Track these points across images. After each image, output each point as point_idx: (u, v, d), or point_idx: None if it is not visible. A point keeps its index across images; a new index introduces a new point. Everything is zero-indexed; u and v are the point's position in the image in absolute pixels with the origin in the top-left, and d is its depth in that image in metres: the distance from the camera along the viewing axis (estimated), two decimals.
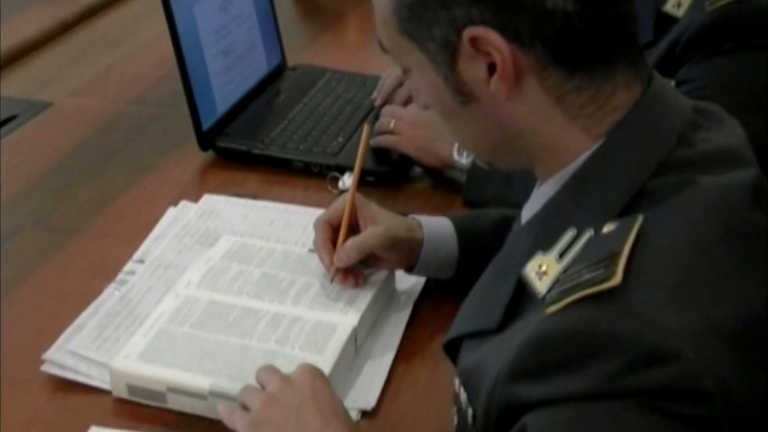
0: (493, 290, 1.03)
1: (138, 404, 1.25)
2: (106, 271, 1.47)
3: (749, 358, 0.89)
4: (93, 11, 2.41)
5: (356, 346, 1.32)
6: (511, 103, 0.96)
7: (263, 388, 1.16)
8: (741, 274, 0.92)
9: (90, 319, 1.37)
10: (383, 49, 1.05)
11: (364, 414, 1.25)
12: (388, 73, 1.93)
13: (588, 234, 0.94)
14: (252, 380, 1.19)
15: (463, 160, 1.66)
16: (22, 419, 1.24)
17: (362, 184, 1.46)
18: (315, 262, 1.43)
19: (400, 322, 1.39)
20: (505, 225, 1.39)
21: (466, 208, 1.62)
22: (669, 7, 1.62)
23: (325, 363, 1.24)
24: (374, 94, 1.92)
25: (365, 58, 2.22)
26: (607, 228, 0.92)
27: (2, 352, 1.33)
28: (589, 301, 0.86)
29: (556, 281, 0.92)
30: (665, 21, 1.60)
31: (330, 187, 1.69)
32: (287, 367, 1.19)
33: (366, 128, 1.50)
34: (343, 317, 1.33)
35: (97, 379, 1.28)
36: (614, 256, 0.88)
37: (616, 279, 0.86)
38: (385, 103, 1.88)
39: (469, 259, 1.42)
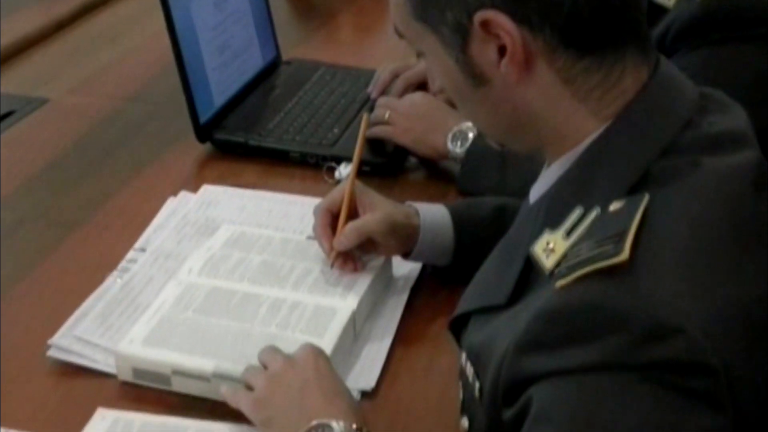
0: (501, 268, 1.05)
1: (143, 387, 1.27)
2: (107, 262, 1.50)
3: (751, 337, 0.92)
4: (89, 9, 2.44)
5: (355, 330, 1.35)
6: (522, 86, 0.99)
7: (266, 368, 1.19)
8: (744, 254, 0.95)
9: (94, 306, 1.39)
10: (398, 33, 1.07)
11: (364, 395, 1.27)
12: (383, 67, 1.96)
13: (595, 212, 0.96)
14: (254, 362, 1.22)
15: (458, 149, 1.68)
16: (30, 403, 1.26)
17: (358, 174, 1.48)
18: (314, 249, 1.46)
19: (397, 307, 1.42)
20: (500, 213, 1.43)
21: (460, 198, 1.64)
22: None
23: (326, 346, 1.26)
24: (370, 88, 1.95)
25: (358, 53, 2.27)
26: (614, 206, 0.95)
27: (8, 341, 1.35)
28: (598, 276, 0.89)
29: (564, 258, 0.94)
30: (656, 12, 1.62)
31: (326, 178, 1.71)
32: (288, 350, 1.21)
33: (365, 117, 1.53)
34: (342, 301, 1.36)
35: (102, 363, 1.31)
36: (622, 233, 0.90)
37: (624, 255, 0.88)
38: (381, 95, 1.90)
39: (465, 245, 1.45)
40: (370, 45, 2.43)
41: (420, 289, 1.47)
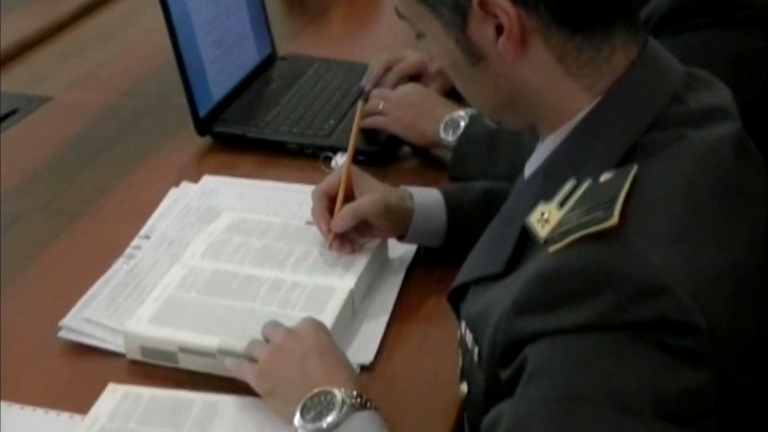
0: (498, 239, 1.11)
1: (151, 365, 1.33)
2: (113, 249, 1.55)
3: (736, 297, 0.98)
4: (86, 10, 2.48)
5: (353, 308, 1.41)
6: (518, 63, 1.04)
7: (268, 341, 1.25)
8: (728, 218, 1.01)
9: (102, 289, 1.45)
10: (399, 14, 1.12)
11: (363, 369, 1.33)
12: (376, 59, 2.01)
13: (587, 183, 1.01)
14: (257, 338, 1.27)
15: (449, 137, 1.74)
16: (44, 381, 1.32)
17: (353, 162, 1.54)
18: (312, 233, 1.52)
19: (393, 286, 1.48)
20: (490, 196, 1.48)
21: (451, 183, 1.70)
22: None
23: (325, 322, 1.31)
24: (363, 80, 2.00)
25: (351, 47, 2.32)
26: (604, 177, 1.00)
27: (20, 324, 1.41)
28: (589, 240, 0.94)
29: (557, 226, 1.00)
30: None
31: (323, 167, 1.77)
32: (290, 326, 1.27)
33: (360, 104, 1.59)
34: (341, 281, 1.42)
35: (111, 342, 1.36)
36: (612, 200, 0.96)
37: (613, 220, 0.94)
38: (375, 87, 1.95)
39: (457, 227, 1.50)
40: (363, 39, 2.48)
41: (415, 269, 1.52)
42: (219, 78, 1.92)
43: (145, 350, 1.32)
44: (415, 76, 1.96)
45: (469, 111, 1.75)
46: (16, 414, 1.25)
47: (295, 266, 1.45)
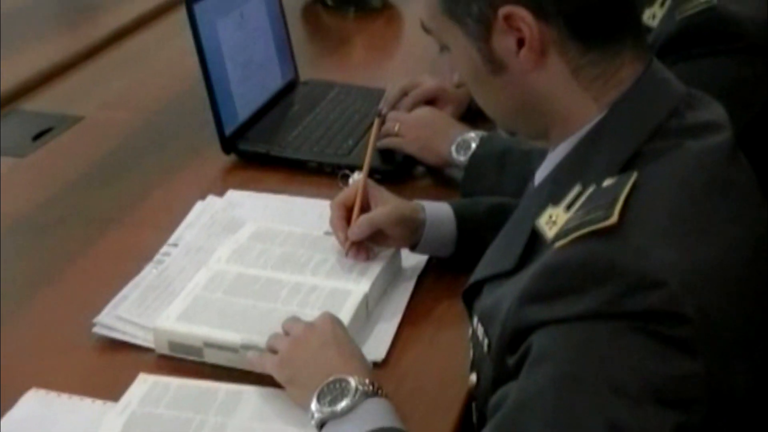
0: (510, 240, 1.21)
1: (177, 359, 1.42)
2: (143, 255, 1.65)
3: (727, 289, 1.07)
4: (118, 35, 2.60)
5: (367, 310, 1.50)
6: (536, 73, 1.15)
7: (288, 334, 1.35)
8: (720, 218, 1.11)
9: (133, 291, 1.55)
10: (425, 29, 1.23)
11: (375, 365, 1.42)
12: (393, 84, 2.12)
13: (592, 188, 1.12)
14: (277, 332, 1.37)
15: (461, 157, 1.84)
16: (79, 372, 1.41)
17: (368, 176, 1.64)
18: (330, 242, 1.62)
19: (405, 292, 1.57)
20: (497, 210, 1.59)
21: None
22: (645, 19, 1.80)
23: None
24: (381, 104, 2.10)
25: (369, 74, 2.43)
26: (607, 182, 1.10)
27: (56, 320, 1.52)
28: (591, 237, 1.04)
29: (564, 227, 1.10)
30: None
31: (341, 184, 1.86)
32: None
33: (376, 121, 1.70)
34: (356, 285, 1.52)
35: (141, 338, 1.46)
36: (612, 201, 1.06)
37: (613, 219, 1.04)
38: (391, 110, 2.06)
39: (466, 238, 1.60)
40: (381, 66, 2.60)
41: (426, 277, 1.62)
42: (244, 99, 2.03)
43: (172, 345, 1.42)
44: (430, 101, 2.06)
45: (480, 133, 1.85)
46: (53, 400, 1.35)
47: (314, 271, 1.55)
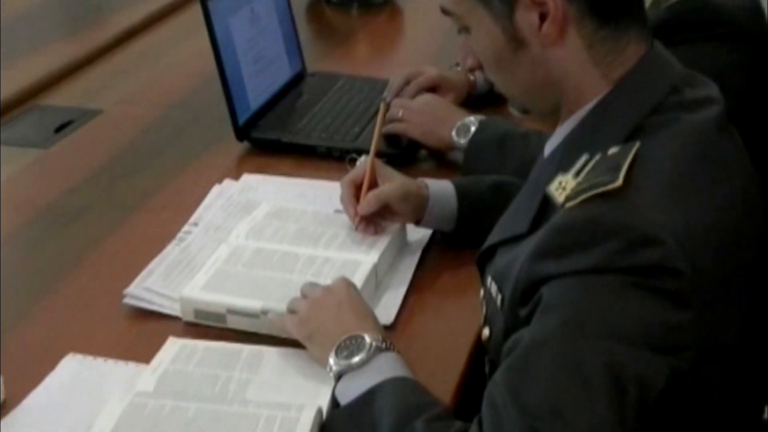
0: (523, 206, 1.33)
1: (202, 326, 1.54)
2: (166, 234, 1.77)
3: (718, 247, 1.20)
4: (127, 35, 2.73)
5: (377, 280, 1.62)
6: (555, 48, 1.26)
7: (306, 297, 1.47)
8: (712, 183, 1.24)
9: (158, 266, 1.67)
10: (446, 12, 1.33)
11: (385, 328, 1.53)
12: (397, 74, 2.23)
13: (598, 156, 1.24)
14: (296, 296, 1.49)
15: (462, 140, 1.96)
16: (112, 338, 1.53)
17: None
18: (340, 219, 1.74)
19: (411, 263, 1.69)
20: (497, 187, 1.71)
21: None
22: None
23: None
24: (385, 92, 2.22)
25: (373, 66, 2.56)
26: (612, 151, 1.23)
27: (89, 293, 1.64)
28: (598, 198, 1.17)
29: (572, 191, 1.22)
30: None
31: (349, 168, 1.95)
32: None
33: (382, 105, 1.82)
34: (366, 256, 1.64)
35: (168, 308, 1.58)
36: (617, 167, 1.18)
37: (618, 182, 1.16)
38: (396, 97, 2.17)
39: (467, 214, 1.72)
40: (384, 59, 2.73)
41: (430, 250, 1.74)
42: (256, 90, 2.15)
43: (198, 312, 1.54)
44: (432, 89, 2.18)
45: (479, 117, 1.97)
46: (90, 363, 1.46)
47: (327, 245, 1.67)
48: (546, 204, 1.27)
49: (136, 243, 1.77)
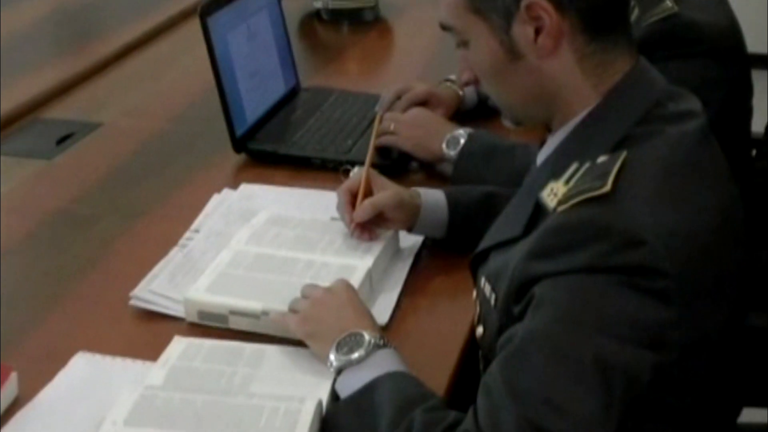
0: (516, 212, 1.41)
1: (206, 326, 1.61)
2: (169, 240, 1.84)
3: (700, 249, 1.28)
4: (132, 48, 2.81)
5: (371, 283, 1.70)
6: (549, 60, 1.35)
7: (307, 297, 1.55)
8: (694, 192, 1.32)
9: (162, 270, 1.74)
10: (445, 27, 1.42)
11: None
12: (388, 89, 2.32)
13: (588, 164, 1.32)
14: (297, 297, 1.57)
15: (451, 152, 2.04)
16: (119, 338, 1.61)
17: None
18: (336, 226, 1.82)
19: (404, 268, 1.77)
20: (486, 197, 1.79)
21: None
22: None
23: None
24: (377, 106, 2.30)
25: (364, 81, 2.66)
26: (601, 159, 1.31)
27: (98, 296, 1.72)
28: (588, 202, 1.25)
29: (563, 196, 1.30)
30: None
31: (343, 178, 2.03)
32: None
33: (377, 117, 1.90)
34: (361, 261, 1.71)
35: (173, 309, 1.65)
36: (606, 173, 1.27)
37: (607, 187, 1.25)
38: (387, 111, 2.26)
39: (457, 222, 1.81)
40: (374, 74, 2.82)
41: (422, 256, 1.82)
42: (253, 104, 2.23)
43: (201, 314, 1.61)
44: (422, 103, 2.26)
45: (468, 130, 2.06)
46: (99, 361, 1.54)
47: (324, 250, 1.75)
48: (538, 209, 1.35)
49: (140, 249, 1.85)
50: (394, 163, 2.12)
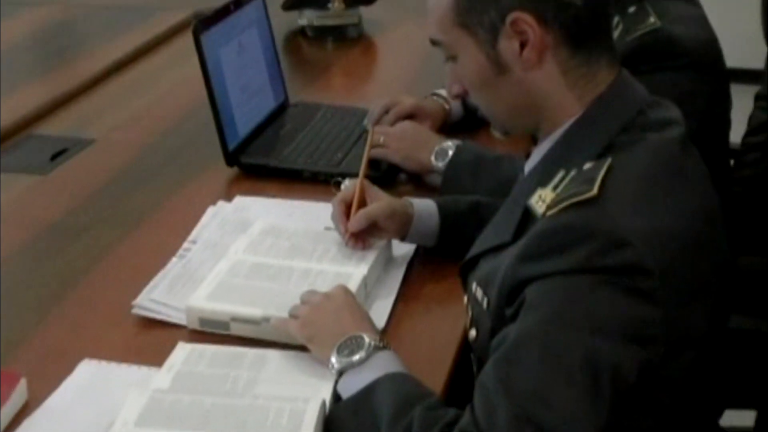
0: (505, 219, 1.47)
1: (207, 333, 1.66)
2: (167, 251, 1.88)
3: (681, 251, 1.34)
4: (121, 65, 2.85)
5: (366, 290, 1.75)
6: (534, 72, 1.41)
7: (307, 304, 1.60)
8: (676, 196, 1.39)
9: (162, 280, 1.79)
10: (434, 42, 1.47)
11: None
12: (376, 103, 2.37)
13: (574, 171, 1.38)
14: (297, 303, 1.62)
15: (440, 163, 2.10)
16: (123, 344, 1.65)
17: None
18: (330, 236, 1.87)
19: (398, 275, 1.83)
20: (475, 206, 1.85)
21: None
22: None
23: None
24: (365, 120, 2.36)
25: (351, 96, 2.71)
26: (587, 166, 1.38)
27: (99, 305, 1.76)
28: (575, 206, 1.31)
29: (551, 202, 1.36)
30: None
31: (334, 191, 2.09)
32: None
33: (371, 128, 1.96)
34: (356, 269, 1.77)
35: (175, 317, 1.70)
36: (593, 179, 1.33)
37: (594, 191, 1.31)
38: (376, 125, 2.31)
39: (448, 230, 1.86)
40: (360, 89, 2.88)
41: (414, 263, 1.88)
42: (244, 118, 2.28)
43: (202, 321, 1.66)
44: (409, 116, 2.32)
45: (456, 141, 2.11)
46: (104, 367, 1.58)
47: (319, 259, 1.80)
48: (527, 216, 1.41)
49: (138, 259, 1.90)
50: (384, 175, 2.17)
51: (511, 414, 1.24)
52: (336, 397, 1.47)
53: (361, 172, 1.87)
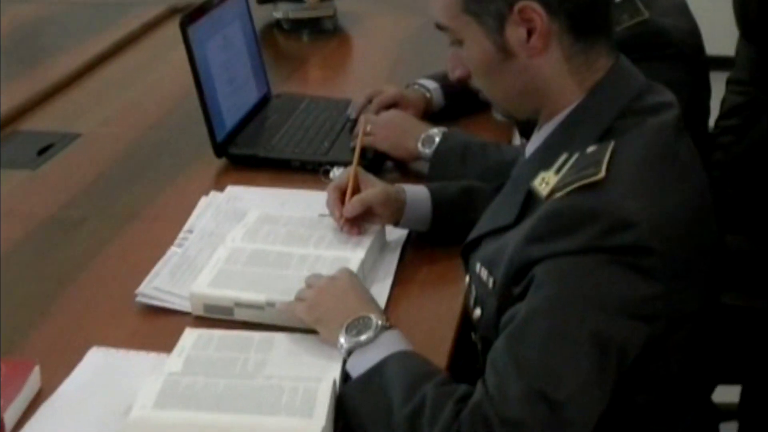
0: (507, 201, 1.52)
1: (211, 319, 1.70)
2: (165, 240, 1.92)
3: (683, 232, 1.41)
4: (103, 57, 2.88)
5: (364, 274, 1.79)
6: (539, 59, 1.46)
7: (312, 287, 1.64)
8: (673, 180, 1.45)
9: (162, 269, 1.82)
10: (440, 27, 1.52)
11: None
12: (359, 93, 2.41)
13: (576, 155, 1.44)
14: (293, 295, 1.66)
15: (427, 150, 2.15)
16: (128, 332, 1.69)
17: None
18: (324, 222, 1.91)
19: (393, 260, 1.87)
20: (466, 191, 1.91)
21: None
22: None
23: None
24: (349, 110, 2.40)
25: (331, 87, 2.76)
26: (590, 149, 1.43)
27: (101, 294, 1.80)
28: (582, 189, 1.37)
29: (556, 185, 1.41)
30: None
31: (323, 179, 2.14)
32: None
33: (363, 117, 2.00)
34: (353, 253, 1.81)
35: (179, 304, 1.73)
36: (599, 161, 1.39)
37: (601, 173, 1.37)
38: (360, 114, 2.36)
39: (440, 215, 1.91)
40: (339, 80, 2.92)
41: (407, 247, 1.93)
42: (230, 110, 2.32)
43: (207, 307, 1.70)
44: (392, 105, 2.37)
45: (442, 129, 2.16)
46: (114, 355, 1.62)
47: (316, 245, 1.85)
48: (530, 198, 1.47)
49: (136, 250, 1.93)
50: (370, 163, 2.21)
51: (524, 388, 1.30)
52: (345, 376, 1.51)
53: (355, 160, 1.92)
